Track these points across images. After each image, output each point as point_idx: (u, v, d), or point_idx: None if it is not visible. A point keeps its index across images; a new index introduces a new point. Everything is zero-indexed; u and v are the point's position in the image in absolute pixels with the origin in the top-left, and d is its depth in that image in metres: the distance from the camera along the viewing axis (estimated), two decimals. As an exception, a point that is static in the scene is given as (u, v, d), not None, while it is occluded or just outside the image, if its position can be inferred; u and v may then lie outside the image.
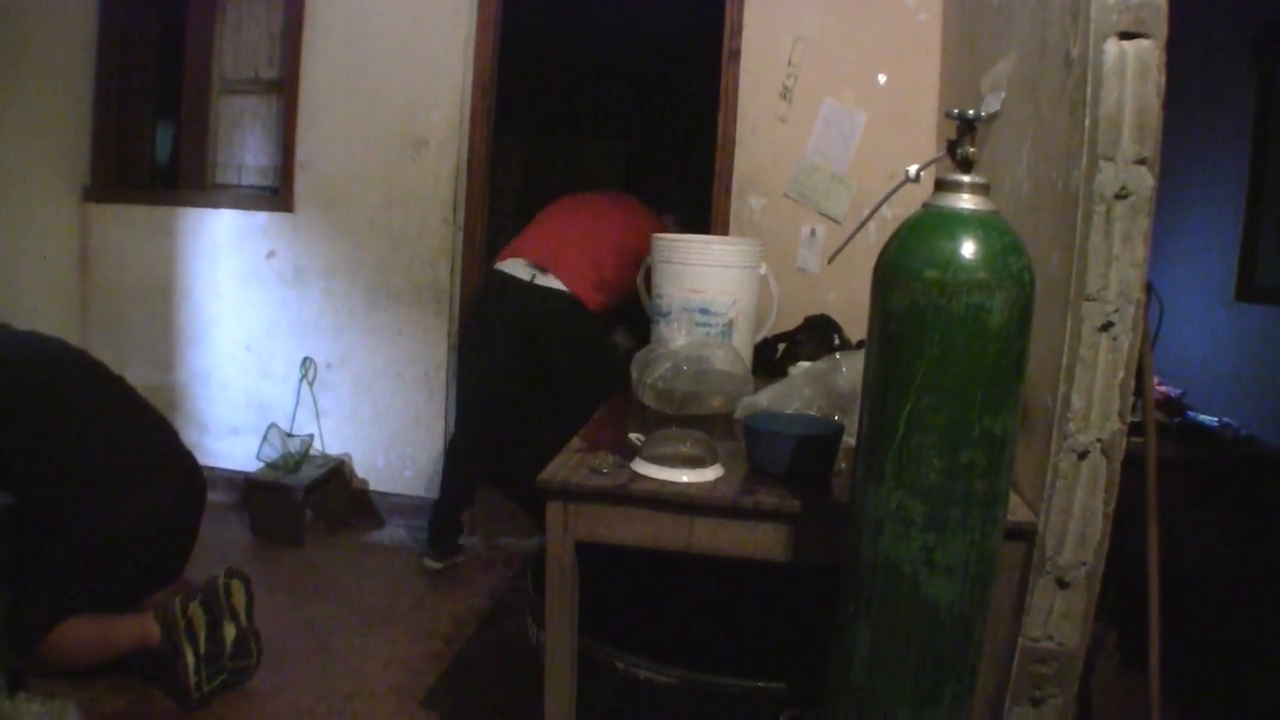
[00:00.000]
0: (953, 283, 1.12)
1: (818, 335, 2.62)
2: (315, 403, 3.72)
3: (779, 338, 2.70)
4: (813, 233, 3.17)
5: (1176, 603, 1.85)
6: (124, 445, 2.35)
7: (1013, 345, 1.15)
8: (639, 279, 2.71)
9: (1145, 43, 1.35)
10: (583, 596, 1.64)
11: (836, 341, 2.58)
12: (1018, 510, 1.51)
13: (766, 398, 1.93)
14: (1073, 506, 1.45)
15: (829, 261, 3.06)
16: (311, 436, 3.67)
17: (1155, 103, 1.35)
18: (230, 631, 2.34)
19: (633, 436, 1.74)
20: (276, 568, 3.21)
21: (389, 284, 3.61)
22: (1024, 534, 1.48)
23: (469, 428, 3.45)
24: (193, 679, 2.24)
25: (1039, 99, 1.66)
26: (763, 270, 2.46)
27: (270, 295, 3.72)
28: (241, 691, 2.36)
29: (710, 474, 1.59)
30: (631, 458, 1.64)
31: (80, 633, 2.21)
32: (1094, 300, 1.40)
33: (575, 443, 1.80)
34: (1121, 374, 1.41)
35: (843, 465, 1.67)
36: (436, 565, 3.29)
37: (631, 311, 3.27)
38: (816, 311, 2.75)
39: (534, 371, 3.34)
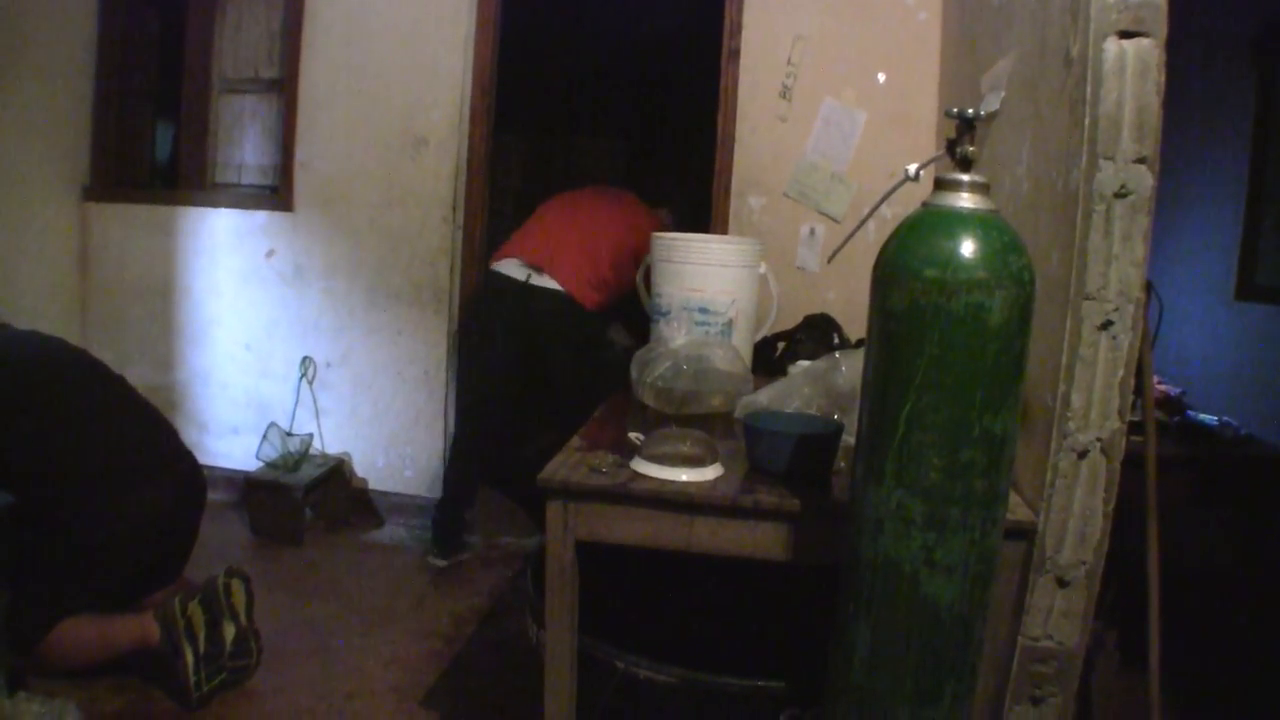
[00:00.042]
0: (952, 282, 1.12)
1: (817, 334, 2.61)
2: (315, 402, 3.72)
3: (779, 337, 2.70)
4: (812, 232, 3.17)
5: (1176, 602, 1.85)
6: (124, 445, 2.35)
7: (1012, 344, 1.15)
8: (639, 278, 2.71)
9: (1145, 42, 1.35)
10: (583, 596, 1.64)
11: (836, 340, 2.58)
12: (1018, 509, 1.51)
13: (766, 397, 1.93)
14: (1072, 505, 1.45)
15: (828, 260, 3.06)
16: (311, 436, 3.67)
17: (1155, 102, 1.35)
18: (230, 631, 2.34)
19: (632, 435, 1.74)
20: (276, 567, 3.21)
21: (389, 283, 3.61)
22: (1024, 533, 1.48)
23: (469, 428, 3.46)
24: (192, 679, 2.24)
25: (1039, 98, 1.66)
26: (762, 269, 2.46)
27: (270, 294, 3.72)
28: (241, 691, 2.36)
29: (710, 473, 1.59)
30: (631, 457, 1.64)
31: (80, 632, 2.21)
32: (1094, 299, 1.40)
33: (575, 442, 1.80)
34: (1121, 373, 1.41)
35: (842, 464, 1.67)
36: (441, 563, 3.30)
37: (629, 309, 3.27)
38: (816, 310, 2.75)
39: (533, 372, 3.34)
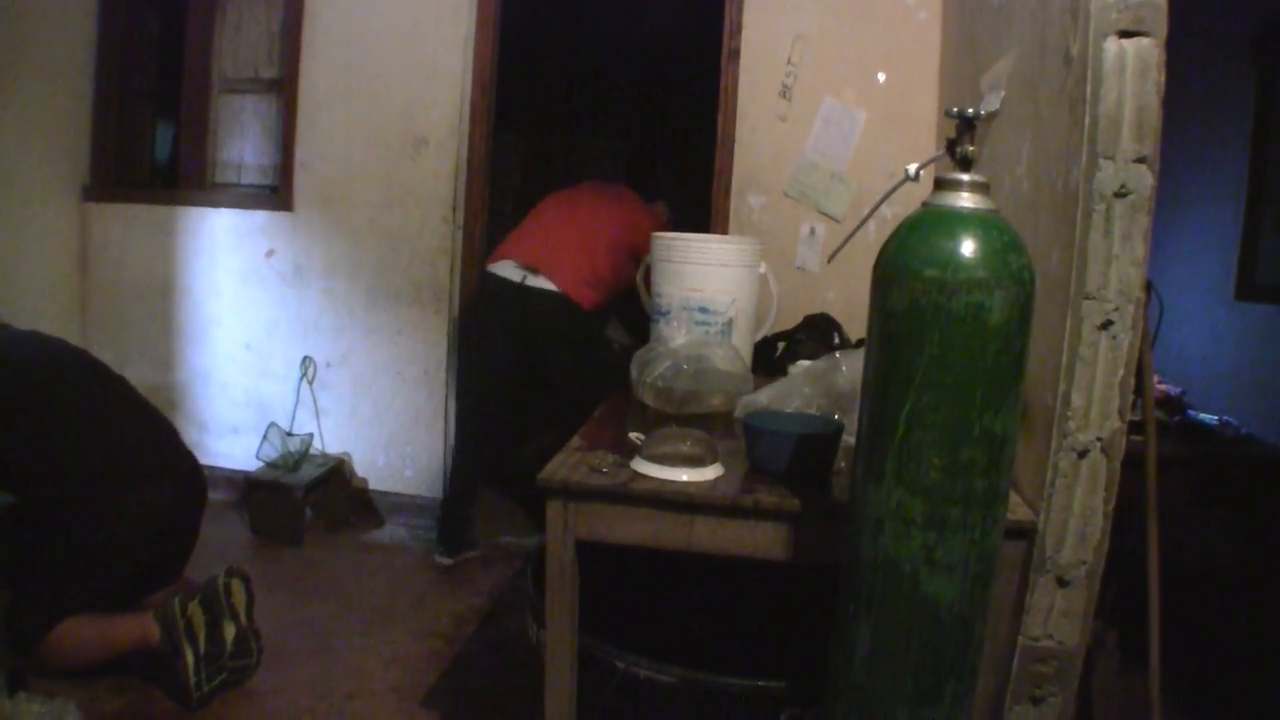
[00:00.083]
0: (952, 281, 1.12)
1: (817, 334, 2.61)
2: (315, 402, 3.72)
3: (779, 336, 2.70)
4: (812, 231, 3.17)
5: (1176, 602, 1.86)
6: (124, 445, 2.35)
7: (1012, 344, 1.15)
8: (639, 277, 2.71)
9: (1145, 41, 1.35)
10: (583, 596, 1.64)
11: (836, 340, 2.58)
12: (1018, 509, 1.51)
13: (766, 396, 1.93)
14: (1073, 505, 1.45)
15: (828, 260, 3.06)
16: (311, 436, 3.67)
17: (1155, 101, 1.35)
18: (230, 631, 2.34)
19: (633, 435, 1.74)
20: (276, 567, 3.21)
21: (389, 283, 3.61)
22: (1024, 533, 1.48)
23: (469, 429, 3.46)
24: (193, 679, 2.24)
25: (1039, 97, 1.66)
26: (762, 269, 2.46)
27: (270, 294, 3.72)
28: (241, 691, 2.36)
29: (710, 473, 1.59)
30: (631, 457, 1.64)
31: (80, 633, 2.21)
32: (1094, 299, 1.39)
33: (575, 441, 1.79)
34: (1121, 372, 1.41)
35: (842, 464, 1.67)
36: (447, 561, 3.30)
37: (627, 308, 3.26)
38: (816, 310, 2.75)
39: (531, 372, 3.33)
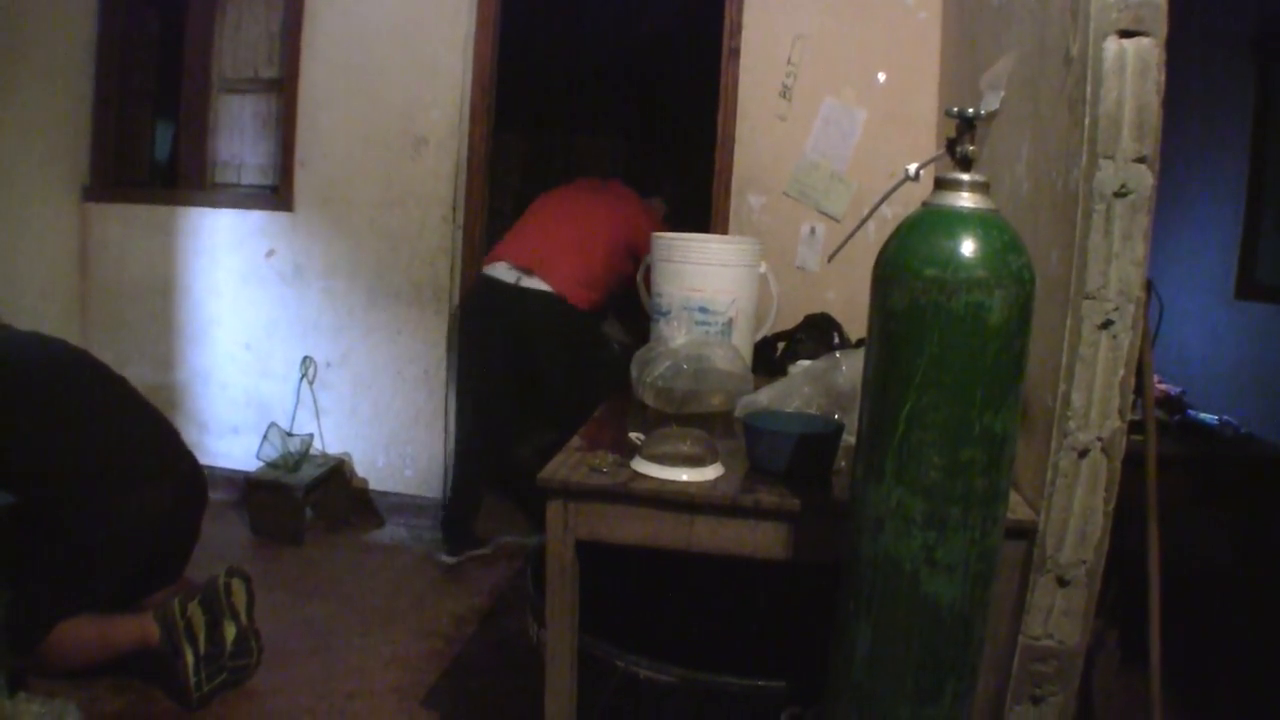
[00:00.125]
0: (952, 281, 1.12)
1: (817, 334, 2.61)
2: (315, 402, 3.72)
3: (779, 336, 2.70)
4: (812, 231, 3.17)
5: (1177, 601, 1.86)
6: (125, 446, 2.35)
7: (1012, 343, 1.15)
8: (639, 277, 2.71)
9: (1145, 41, 1.35)
10: (583, 595, 1.64)
11: (836, 340, 2.58)
12: (1018, 508, 1.51)
13: (766, 396, 1.93)
14: (1073, 504, 1.45)
15: (829, 260, 3.06)
16: (311, 435, 3.67)
17: (1155, 101, 1.35)
18: (231, 631, 2.34)
19: (633, 435, 1.74)
20: (277, 567, 3.21)
21: (388, 283, 3.61)
22: (1024, 532, 1.48)
23: (468, 429, 3.46)
24: (193, 679, 2.24)
25: (1038, 97, 1.66)
26: (762, 269, 2.46)
27: (270, 294, 3.72)
28: (242, 691, 2.36)
29: (710, 472, 1.59)
30: (631, 456, 1.64)
31: (80, 633, 2.21)
32: (1094, 298, 1.40)
33: (575, 441, 1.80)
34: (1121, 372, 1.41)
35: (843, 463, 1.67)
36: (450, 560, 3.31)
37: (624, 304, 3.26)
38: (816, 310, 2.75)
39: (527, 373, 3.33)
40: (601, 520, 1.57)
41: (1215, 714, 2.35)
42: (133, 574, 2.36)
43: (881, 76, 3.09)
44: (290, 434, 3.63)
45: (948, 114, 1.25)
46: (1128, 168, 1.36)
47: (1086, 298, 1.40)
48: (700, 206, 3.37)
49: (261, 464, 3.58)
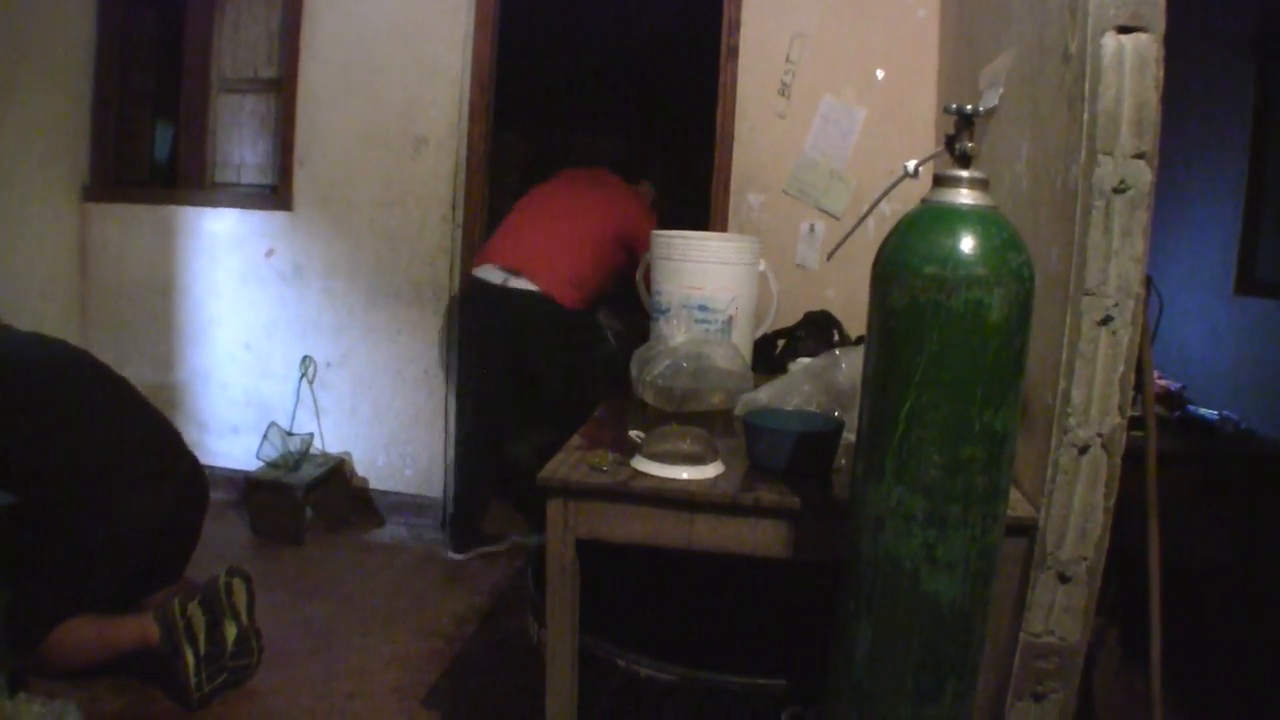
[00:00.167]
0: (952, 278, 1.12)
1: (817, 331, 2.61)
2: (315, 401, 3.72)
3: (778, 334, 2.70)
4: (812, 229, 3.17)
5: (1177, 598, 1.85)
6: (125, 446, 2.35)
7: (1012, 341, 1.15)
8: (638, 275, 2.70)
9: (1144, 37, 1.35)
10: (583, 594, 1.64)
11: (836, 338, 2.58)
12: (1018, 506, 1.51)
13: (766, 394, 1.93)
14: (1073, 501, 1.45)
15: (828, 258, 3.06)
16: (311, 435, 3.67)
17: (1154, 97, 1.35)
18: (231, 630, 2.34)
19: (633, 434, 1.74)
20: (277, 566, 3.21)
21: (388, 283, 3.61)
22: (1025, 529, 1.48)
23: (468, 429, 3.46)
24: (193, 679, 2.24)
25: (1037, 94, 1.66)
26: (762, 267, 2.46)
27: (270, 294, 3.72)
28: (242, 690, 2.36)
29: (710, 471, 1.59)
30: (631, 455, 1.64)
31: (80, 633, 2.21)
32: (1093, 295, 1.39)
33: (575, 440, 1.79)
34: (1121, 368, 1.41)
35: (843, 461, 1.66)
36: (457, 556, 3.33)
37: (617, 292, 3.24)
38: (816, 308, 2.75)
39: (525, 373, 3.32)
40: (602, 519, 1.57)
41: (1216, 711, 2.35)
42: (133, 574, 2.36)
43: (880, 74, 3.08)
44: (290, 434, 3.63)
45: (946, 111, 1.25)
46: (1127, 164, 1.36)
47: (1086, 294, 1.40)
48: (700, 205, 3.37)
49: (261, 464, 3.58)
